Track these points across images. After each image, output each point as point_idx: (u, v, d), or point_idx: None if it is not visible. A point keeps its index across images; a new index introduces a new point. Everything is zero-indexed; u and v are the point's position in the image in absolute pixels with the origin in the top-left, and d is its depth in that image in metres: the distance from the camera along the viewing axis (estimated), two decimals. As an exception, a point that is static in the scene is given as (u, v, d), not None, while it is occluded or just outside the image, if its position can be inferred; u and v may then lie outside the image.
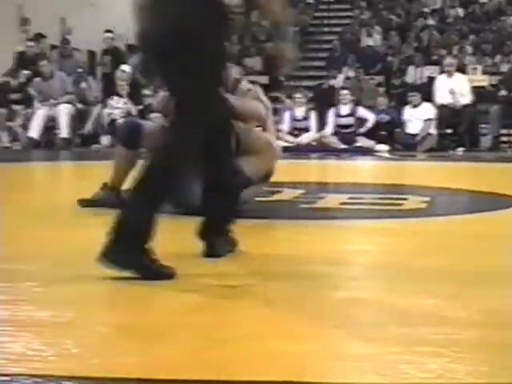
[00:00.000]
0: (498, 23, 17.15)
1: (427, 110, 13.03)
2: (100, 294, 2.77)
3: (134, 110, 12.96)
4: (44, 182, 8.39)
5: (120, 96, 13.22)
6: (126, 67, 13.81)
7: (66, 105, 13.32)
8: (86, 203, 4.99)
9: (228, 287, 2.84)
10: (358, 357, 2.06)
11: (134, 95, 13.34)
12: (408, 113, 13.10)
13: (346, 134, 12.97)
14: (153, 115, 13.11)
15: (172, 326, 2.34)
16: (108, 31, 14.75)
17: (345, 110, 13.19)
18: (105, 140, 13.25)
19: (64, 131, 13.20)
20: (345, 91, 13.38)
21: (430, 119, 12.94)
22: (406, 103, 13.33)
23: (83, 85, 14.06)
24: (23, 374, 1.86)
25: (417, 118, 12.97)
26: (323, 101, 13.96)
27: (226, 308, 2.56)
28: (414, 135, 12.90)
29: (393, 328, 2.33)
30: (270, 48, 3.86)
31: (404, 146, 12.85)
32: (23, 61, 14.31)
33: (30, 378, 1.84)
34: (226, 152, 3.50)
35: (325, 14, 20.35)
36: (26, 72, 13.90)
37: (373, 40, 17.01)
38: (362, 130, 13.08)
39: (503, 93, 13.31)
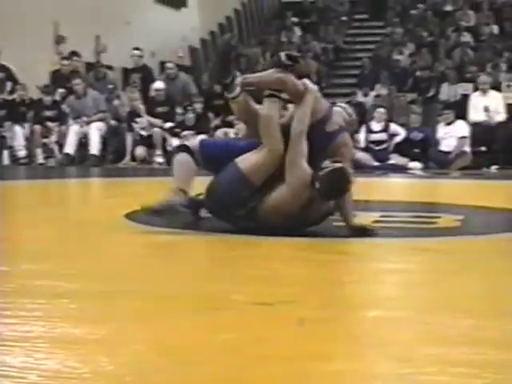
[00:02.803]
0: (533, 41, 17.07)
1: (461, 128, 12.96)
2: (134, 311, 2.77)
3: (158, 129, 13.09)
4: (76, 199, 8.44)
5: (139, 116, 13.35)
6: (160, 84, 13.88)
7: (99, 123, 13.43)
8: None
9: (259, 305, 2.83)
10: (393, 376, 2.05)
11: (168, 113, 13.44)
12: (442, 130, 13.04)
13: (378, 150, 12.94)
14: (185, 132, 13.26)
15: (207, 343, 2.34)
16: (136, 49, 14.82)
17: (377, 126, 13.17)
18: (139, 151, 13.30)
19: (94, 148, 13.31)
20: (381, 109, 13.36)
21: (464, 137, 12.87)
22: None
23: (116, 102, 14.15)
24: (58, 390, 1.87)
25: (451, 136, 12.90)
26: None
27: (259, 326, 2.56)
28: (448, 153, 12.83)
29: (428, 348, 2.31)
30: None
31: (438, 163, 12.78)
32: (58, 78, 14.45)
33: (65, 395, 1.85)
34: None
35: (357, 31, 20.41)
36: (61, 90, 14.03)
37: (403, 57, 17.00)
38: (393, 143, 13.06)
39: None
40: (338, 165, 4.57)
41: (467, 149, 12.93)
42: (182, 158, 4.81)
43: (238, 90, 4.78)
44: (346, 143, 4.90)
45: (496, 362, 2.16)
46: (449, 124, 13.00)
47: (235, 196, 4.63)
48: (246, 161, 4.66)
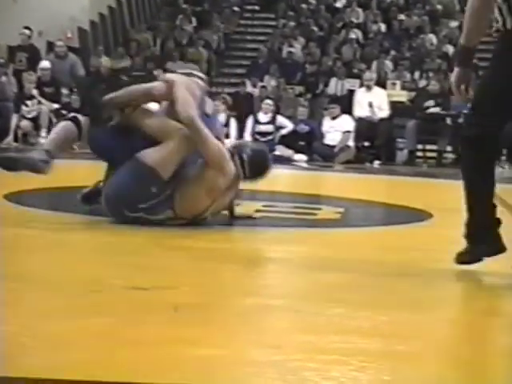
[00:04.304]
0: (418, 40, 17.51)
1: (346, 122, 13.18)
2: (6, 294, 2.72)
3: (46, 109, 12.81)
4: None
5: (32, 97, 13.04)
6: (45, 64, 13.61)
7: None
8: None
9: (136, 290, 2.82)
10: (263, 363, 2.08)
11: (54, 94, 13.19)
12: (327, 124, 13.24)
13: (264, 142, 13.03)
14: (71, 115, 13.03)
15: (79, 327, 2.32)
16: (26, 28, 14.48)
17: (264, 117, 13.27)
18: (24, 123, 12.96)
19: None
20: (269, 101, 13.46)
21: (348, 131, 13.10)
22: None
23: (3, 79, 13.78)
24: None
25: (336, 130, 13.11)
26: (242, 108, 14.01)
27: (132, 311, 2.55)
28: (333, 146, 13.03)
29: (298, 335, 2.36)
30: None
31: (322, 156, 12.97)
32: None
33: None
34: None
35: (249, 22, 20.48)
36: None
37: (293, 50, 17.16)
38: (278, 134, 13.18)
39: (422, 108, 13.52)
40: (259, 146, 4.75)
41: (351, 143, 13.16)
42: (66, 125, 4.66)
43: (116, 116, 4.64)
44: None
45: (363, 350, 2.23)
46: (334, 118, 13.20)
47: (144, 192, 4.44)
48: (153, 155, 4.48)
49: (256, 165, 4.67)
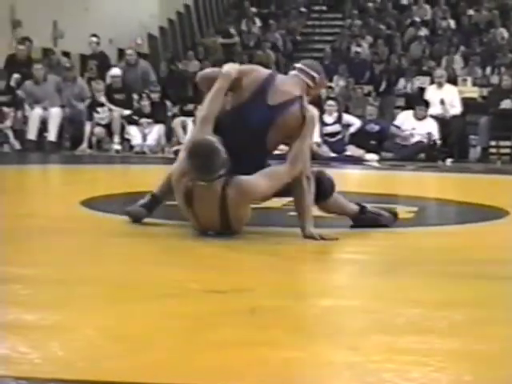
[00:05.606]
0: (489, 35, 17.26)
1: (430, 125, 12.77)
2: (87, 298, 2.77)
3: (117, 115, 13.01)
4: (32, 185, 8.37)
5: (103, 105, 13.24)
6: (116, 71, 13.79)
7: (58, 108, 13.29)
8: None
9: (213, 293, 2.85)
10: (342, 364, 2.08)
11: (125, 100, 13.36)
12: (409, 124, 12.81)
13: (333, 142, 12.95)
14: (142, 120, 13.22)
15: (158, 330, 2.35)
16: (93, 36, 14.70)
17: (329, 119, 13.14)
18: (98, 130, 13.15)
19: (52, 135, 13.17)
20: (331, 101, 13.35)
21: (430, 133, 12.72)
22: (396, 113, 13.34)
23: (75, 89, 14.01)
24: (8, 376, 1.86)
25: (418, 133, 12.70)
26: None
27: (210, 314, 2.57)
28: (408, 146, 12.77)
29: (377, 336, 2.35)
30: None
31: (396, 155, 12.70)
32: (13, 63, 14.26)
33: (15, 380, 1.84)
34: None
35: (316, 22, 20.46)
36: (16, 75, 13.84)
37: (361, 49, 17.08)
38: (347, 133, 13.05)
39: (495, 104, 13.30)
40: (205, 139, 4.04)
41: (425, 141, 12.86)
42: None
43: None
44: (299, 116, 4.18)
45: (441, 350, 2.21)
46: (420, 119, 12.84)
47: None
48: None
49: (193, 160, 4.02)
